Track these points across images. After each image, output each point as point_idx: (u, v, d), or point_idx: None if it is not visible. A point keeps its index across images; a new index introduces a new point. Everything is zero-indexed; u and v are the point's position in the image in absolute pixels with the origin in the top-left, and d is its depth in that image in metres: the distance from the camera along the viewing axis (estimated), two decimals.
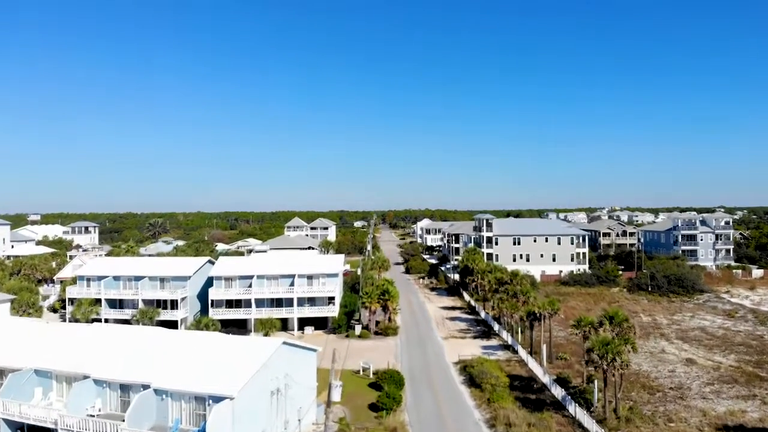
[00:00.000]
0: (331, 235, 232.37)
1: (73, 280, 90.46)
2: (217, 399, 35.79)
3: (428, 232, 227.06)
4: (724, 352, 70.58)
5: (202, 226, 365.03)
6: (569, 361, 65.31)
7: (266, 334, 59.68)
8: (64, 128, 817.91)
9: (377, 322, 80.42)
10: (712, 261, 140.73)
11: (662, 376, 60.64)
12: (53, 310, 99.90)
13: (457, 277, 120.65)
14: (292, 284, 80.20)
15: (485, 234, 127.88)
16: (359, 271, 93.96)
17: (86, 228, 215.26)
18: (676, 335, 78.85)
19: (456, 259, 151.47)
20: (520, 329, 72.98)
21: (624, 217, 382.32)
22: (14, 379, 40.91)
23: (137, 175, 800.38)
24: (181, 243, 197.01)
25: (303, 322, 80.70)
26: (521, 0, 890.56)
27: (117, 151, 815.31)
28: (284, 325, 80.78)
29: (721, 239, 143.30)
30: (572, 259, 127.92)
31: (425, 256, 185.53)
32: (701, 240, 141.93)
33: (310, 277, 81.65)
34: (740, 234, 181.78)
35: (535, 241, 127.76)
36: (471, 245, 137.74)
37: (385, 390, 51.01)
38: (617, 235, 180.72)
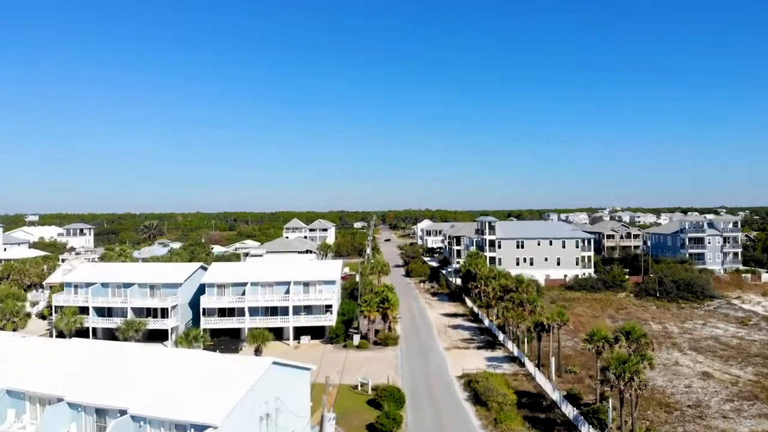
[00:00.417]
0: (331, 236, 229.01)
1: (61, 287, 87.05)
2: (200, 428, 32.42)
3: (429, 233, 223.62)
4: (741, 364, 67.14)
5: (201, 227, 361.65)
6: (579, 374, 61.92)
7: (258, 348, 56.21)
8: (64, 128, 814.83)
9: (377, 331, 77.04)
10: (720, 265, 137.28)
11: (678, 391, 57.23)
12: (42, 317, 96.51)
13: (458, 281, 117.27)
14: (287, 292, 76.80)
15: (488, 237, 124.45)
16: (358, 277, 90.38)
17: (81, 230, 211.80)
18: (689, 345, 75.39)
19: (457, 262, 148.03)
20: (526, 339, 69.58)
21: (626, 218, 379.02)
22: None
23: (137, 176, 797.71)
24: (178, 244, 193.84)
25: (299, 332, 77.30)
26: None
27: (117, 151, 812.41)
28: (279, 334, 77.45)
29: (728, 242, 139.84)
30: (577, 263, 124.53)
31: (426, 259, 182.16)
32: (709, 243, 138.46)
33: (306, 284, 78.18)
34: (746, 236, 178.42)
35: (539, 244, 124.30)
36: (473, 249, 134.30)
37: (384, 410, 47.63)
38: (621, 237, 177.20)
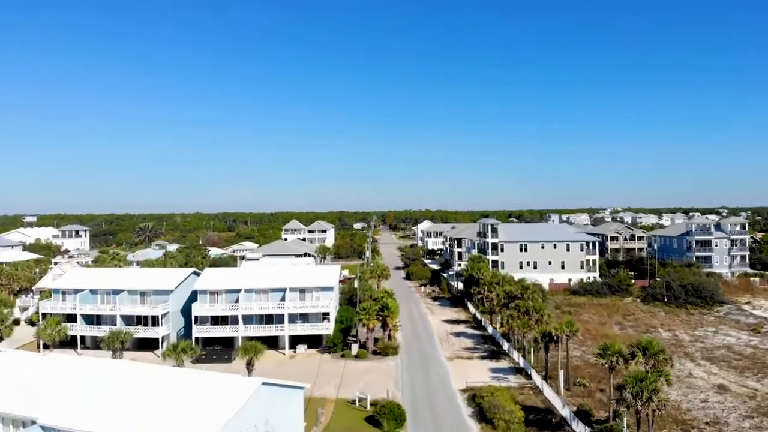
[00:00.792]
0: (330, 238, 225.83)
1: (49, 293, 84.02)
2: None
3: (429, 235, 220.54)
4: (757, 375, 64.03)
5: (200, 228, 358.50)
6: (589, 387, 58.81)
7: (250, 362, 53.13)
8: (64, 128, 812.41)
9: (376, 340, 73.92)
10: (727, 268, 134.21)
11: (694, 407, 54.10)
12: (31, 323, 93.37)
13: (460, 285, 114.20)
14: (282, 299, 73.70)
15: (490, 240, 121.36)
16: (356, 283, 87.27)
17: (77, 232, 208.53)
18: (701, 355, 72.28)
19: (459, 265, 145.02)
20: (532, 349, 66.50)
21: (627, 219, 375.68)
22: None
23: (136, 176, 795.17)
24: (175, 246, 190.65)
25: (295, 340, 74.21)
26: None
27: (116, 151, 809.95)
28: (275, 343, 74.35)
29: (736, 245, 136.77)
30: (582, 267, 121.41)
31: (426, 261, 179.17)
32: (716, 246, 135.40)
33: (302, 291, 75.10)
34: (752, 238, 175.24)
35: (542, 247, 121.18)
36: (475, 252, 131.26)
37: (384, 429, 44.57)
38: (625, 239, 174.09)
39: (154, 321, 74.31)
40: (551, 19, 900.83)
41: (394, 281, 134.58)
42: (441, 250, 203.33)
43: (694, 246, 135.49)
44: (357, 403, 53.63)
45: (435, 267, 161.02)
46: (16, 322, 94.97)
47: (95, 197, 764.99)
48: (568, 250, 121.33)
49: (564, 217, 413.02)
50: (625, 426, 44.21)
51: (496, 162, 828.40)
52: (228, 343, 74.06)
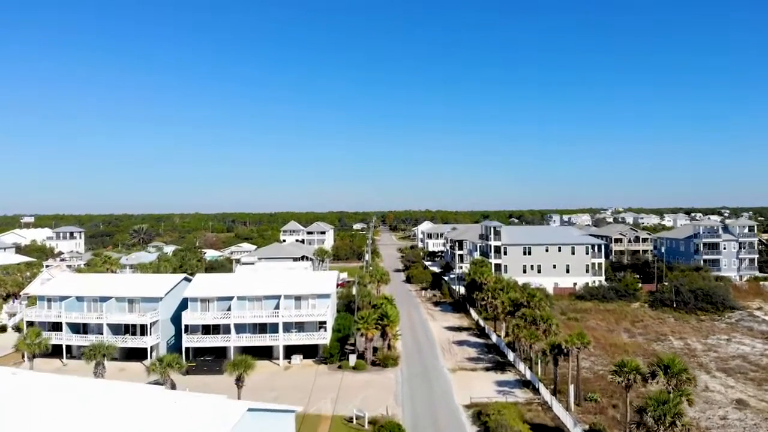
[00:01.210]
0: (329, 239, 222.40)
1: (34, 300, 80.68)
2: None
3: (430, 236, 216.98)
4: None
5: (198, 229, 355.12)
6: (601, 403, 55.36)
7: (240, 377, 49.75)
8: (63, 128, 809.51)
9: (375, 349, 70.52)
10: (736, 271, 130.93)
11: (714, 425, 50.68)
12: (18, 330, 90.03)
13: (462, 290, 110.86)
14: (277, 306, 70.28)
15: (493, 243, 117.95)
16: (354, 290, 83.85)
17: (71, 233, 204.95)
18: (716, 366, 68.87)
19: (460, 267, 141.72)
20: (540, 361, 63.06)
21: (629, 219, 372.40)
22: None
23: (136, 176, 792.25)
24: (172, 248, 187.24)
25: (290, 350, 70.82)
26: None
27: (116, 151, 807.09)
28: (269, 353, 71.02)
29: (744, 247, 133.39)
30: (587, 271, 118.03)
31: (427, 263, 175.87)
32: (724, 249, 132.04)
33: (298, 298, 71.68)
34: (759, 240, 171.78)
35: (547, 250, 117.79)
36: (477, 255, 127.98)
37: None
38: (629, 241, 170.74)
39: (143, 330, 70.98)
40: (551, 18, 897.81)
41: (394, 284, 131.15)
42: (442, 252, 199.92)
43: (701, 249, 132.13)
44: (354, 421, 50.27)
45: (436, 270, 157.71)
46: (3, 328, 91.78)
47: (95, 197, 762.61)
48: (573, 253, 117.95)
49: (565, 217, 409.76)
50: None
51: (497, 162, 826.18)
52: (220, 353, 70.69)
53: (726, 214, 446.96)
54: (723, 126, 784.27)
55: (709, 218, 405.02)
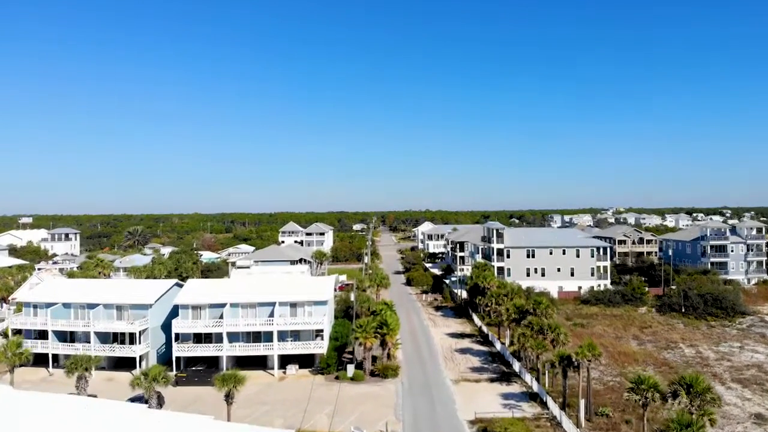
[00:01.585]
0: (328, 241, 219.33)
1: (21, 307, 77.68)
2: None
3: (430, 237, 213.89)
4: None
5: (197, 229, 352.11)
6: (613, 418, 52.29)
7: (229, 394, 46.70)
8: (63, 127, 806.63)
9: (374, 358, 67.49)
10: (744, 274, 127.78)
11: None
12: (5, 335, 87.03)
13: (464, 294, 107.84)
14: (271, 314, 67.21)
15: (495, 246, 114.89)
16: (352, 296, 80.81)
17: (66, 235, 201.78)
18: (731, 376, 65.80)
19: (461, 269, 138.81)
20: (547, 372, 60.05)
21: (631, 220, 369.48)
22: None
23: (136, 176, 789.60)
24: (169, 249, 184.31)
25: (286, 359, 67.80)
26: None
27: (116, 151, 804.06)
28: (264, 362, 68.00)
29: (752, 250, 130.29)
30: (592, 274, 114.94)
31: (428, 265, 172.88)
32: (732, 251, 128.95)
33: (293, 305, 68.61)
34: (766, 242, 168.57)
35: (551, 253, 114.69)
36: (479, 257, 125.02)
37: None
38: (633, 243, 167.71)
39: (132, 338, 67.95)
40: (550, 17, 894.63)
41: (394, 287, 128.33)
42: (442, 253, 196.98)
43: (708, 251, 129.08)
44: None
45: (437, 272, 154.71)
46: None
47: (94, 197, 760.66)
48: (578, 256, 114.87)
49: (566, 218, 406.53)
50: None
51: (497, 162, 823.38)
52: (212, 362, 67.67)
53: (728, 215, 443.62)
54: (723, 125, 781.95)
55: (711, 219, 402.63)
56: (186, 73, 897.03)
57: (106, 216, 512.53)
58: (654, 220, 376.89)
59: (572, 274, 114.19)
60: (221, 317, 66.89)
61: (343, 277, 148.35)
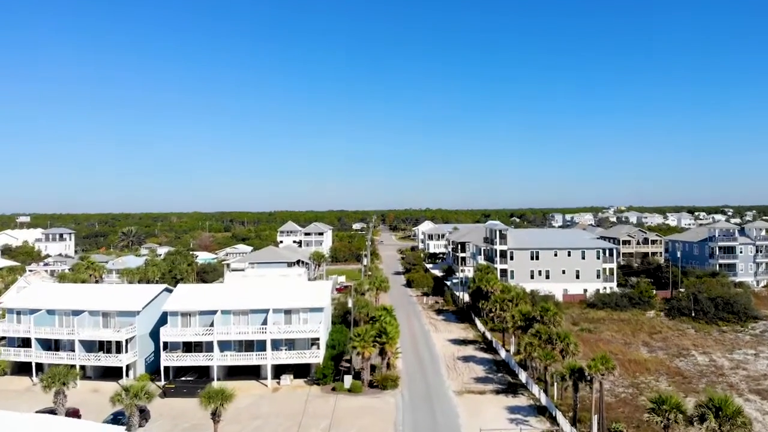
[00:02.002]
0: (327, 240, 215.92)
1: (3, 313, 74.41)
2: None
3: (431, 237, 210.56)
4: None
5: (195, 229, 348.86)
6: None
7: (216, 412, 43.36)
8: (62, 125, 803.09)
9: (373, 368, 64.17)
10: (753, 276, 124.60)
11: None
12: None
13: (466, 297, 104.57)
14: (265, 322, 63.89)
15: (498, 247, 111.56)
16: (350, 302, 77.50)
17: (61, 235, 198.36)
18: (747, 386, 62.52)
19: (462, 270, 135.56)
20: (556, 384, 56.73)
21: (632, 219, 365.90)
22: None
23: (136, 174, 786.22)
24: (166, 249, 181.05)
25: (280, 369, 64.52)
26: None
27: (115, 149, 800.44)
28: (257, 371, 64.74)
29: (762, 251, 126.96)
30: (598, 276, 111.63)
31: (428, 266, 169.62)
32: (740, 252, 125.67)
33: (288, 312, 65.31)
34: None
35: (555, 255, 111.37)
36: (482, 259, 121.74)
37: None
38: (638, 243, 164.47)
39: (118, 347, 64.64)
40: (551, 7, 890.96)
41: (394, 289, 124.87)
42: (443, 253, 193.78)
43: (717, 252, 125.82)
44: None
45: (437, 273, 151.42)
46: None
47: (94, 196, 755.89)
48: (583, 257, 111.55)
49: (568, 216, 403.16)
50: None
51: (497, 160, 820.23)
52: (204, 371, 64.44)
53: (729, 213, 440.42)
54: (724, 122, 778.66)
55: (713, 218, 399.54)
56: (186, 69, 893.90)
57: (104, 215, 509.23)
58: (656, 219, 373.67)
59: (577, 277, 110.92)
60: (212, 325, 63.55)
61: (342, 278, 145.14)
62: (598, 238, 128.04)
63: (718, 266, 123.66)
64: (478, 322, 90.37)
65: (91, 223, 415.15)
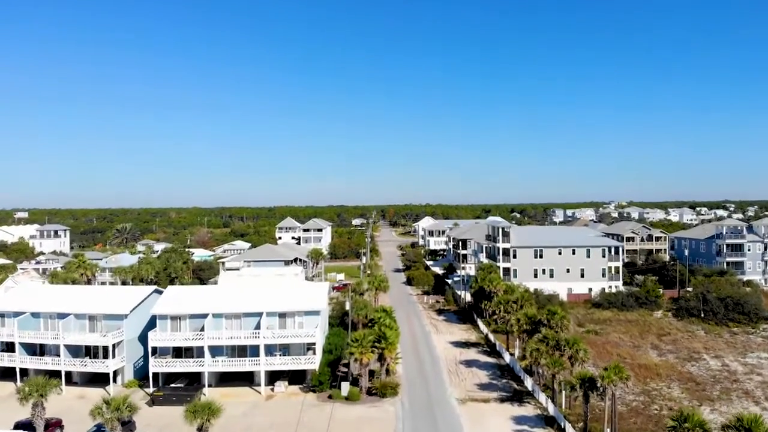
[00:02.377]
0: (326, 237, 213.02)
1: None
2: None
3: (431, 233, 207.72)
4: None
5: (194, 225, 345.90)
6: None
7: (202, 428, 40.43)
8: (61, 121, 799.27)
9: (371, 373, 61.28)
10: (761, 275, 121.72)
11: None
12: None
13: (468, 297, 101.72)
14: (258, 326, 60.98)
15: (501, 245, 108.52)
16: (347, 305, 74.57)
17: (56, 232, 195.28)
18: (763, 393, 59.68)
19: (463, 268, 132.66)
20: (563, 391, 53.87)
21: (634, 214, 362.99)
22: None
23: (135, 169, 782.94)
24: (163, 246, 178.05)
25: (274, 375, 61.67)
26: None
27: (115, 144, 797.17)
28: (250, 377, 61.91)
29: None
30: (603, 275, 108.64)
31: (429, 263, 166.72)
32: (748, 250, 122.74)
33: (282, 316, 62.31)
34: None
35: (560, 253, 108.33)
36: (483, 257, 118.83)
37: None
38: (642, 240, 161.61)
39: (105, 352, 61.72)
40: (550, 10, 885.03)
41: (393, 287, 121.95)
42: (444, 250, 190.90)
43: (724, 250, 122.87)
44: None
45: (438, 271, 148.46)
46: None
47: (93, 191, 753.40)
48: (588, 255, 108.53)
49: (569, 212, 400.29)
50: None
51: (498, 155, 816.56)
52: (195, 377, 61.62)
53: (731, 209, 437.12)
54: (725, 117, 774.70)
55: (715, 213, 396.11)
56: (185, 62, 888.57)
57: (103, 210, 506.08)
58: (657, 215, 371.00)
59: (582, 275, 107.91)
60: (203, 329, 60.63)
61: (341, 276, 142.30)
62: (602, 235, 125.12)
63: (725, 264, 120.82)
64: (480, 323, 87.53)
65: (89, 219, 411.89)
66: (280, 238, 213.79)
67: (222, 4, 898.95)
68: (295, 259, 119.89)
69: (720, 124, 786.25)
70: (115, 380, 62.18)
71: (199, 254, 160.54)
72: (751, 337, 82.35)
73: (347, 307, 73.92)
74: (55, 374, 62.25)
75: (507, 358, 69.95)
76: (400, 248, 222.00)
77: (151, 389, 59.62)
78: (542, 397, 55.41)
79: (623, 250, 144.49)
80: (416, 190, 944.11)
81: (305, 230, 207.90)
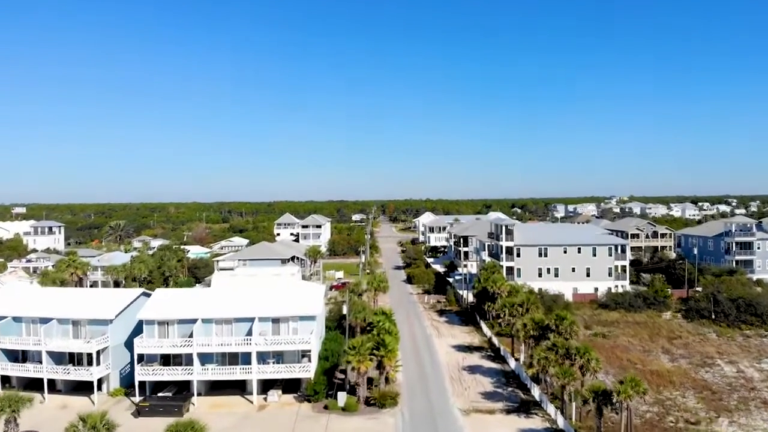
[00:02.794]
0: (325, 233, 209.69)
1: None
2: None
3: (432, 230, 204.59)
4: None
5: (193, 220, 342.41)
6: None
7: None
8: (60, 116, 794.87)
9: (370, 381, 58.19)
10: None
11: None
12: None
13: (470, 297, 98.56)
14: (250, 332, 57.81)
15: (504, 243, 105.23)
16: (345, 309, 71.32)
17: (50, 228, 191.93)
18: None
19: (465, 266, 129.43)
20: (573, 402, 50.69)
21: (636, 209, 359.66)
22: None
23: (134, 164, 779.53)
24: (160, 242, 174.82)
25: (268, 383, 58.51)
26: None
27: (114, 139, 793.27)
28: (243, 385, 58.80)
29: None
30: (610, 274, 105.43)
31: (429, 260, 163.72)
32: (758, 248, 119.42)
33: (276, 321, 59.14)
34: None
35: (565, 252, 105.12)
36: (486, 255, 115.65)
37: None
38: (647, 237, 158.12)
39: (89, 359, 58.55)
40: (549, 9, 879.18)
41: (393, 285, 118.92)
42: (444, 246, 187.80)
43: (733, 248, 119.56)
44: None
45: (439, 268, 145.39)
46: None
47: (92, 187, 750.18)
48: (594, 254, 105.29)
49: (570, 207, 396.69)
50: None
51: (498, 150, 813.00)
52: (185, 386, 58.44)
53: (733, 204, 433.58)
54: (725, 113, 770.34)
55: (717, 208, 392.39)
56: (184, 55, 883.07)
57: (101, 205, 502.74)
58: (659, 210, 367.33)
59: (588, 275, 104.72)
60: (192, 335, 57.42)
61: (339, 274, 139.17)
62: (609, 233, 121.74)
63: (734, 263, 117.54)
64: (483, 325, 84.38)
65: (87, 214, 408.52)
66: (278, 234, 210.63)
67: (223, 12, 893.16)
68: (293, 258, 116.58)
69: (720, 119, 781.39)
70: (100, 388, 59.18)
71: (195, 252, 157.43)
72: (765, 341, 79.15)
73: (344, 310, 70.53)
74: (38, 382, 59.55)
75: (512, 363, 66.78)
76: (401, 244, 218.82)
77: (137, 398, 56.53)
78: (551, 409, 52.23)
79: (629, 249, 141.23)
80: (416, 185, 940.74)
81: (304, 227, 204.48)
